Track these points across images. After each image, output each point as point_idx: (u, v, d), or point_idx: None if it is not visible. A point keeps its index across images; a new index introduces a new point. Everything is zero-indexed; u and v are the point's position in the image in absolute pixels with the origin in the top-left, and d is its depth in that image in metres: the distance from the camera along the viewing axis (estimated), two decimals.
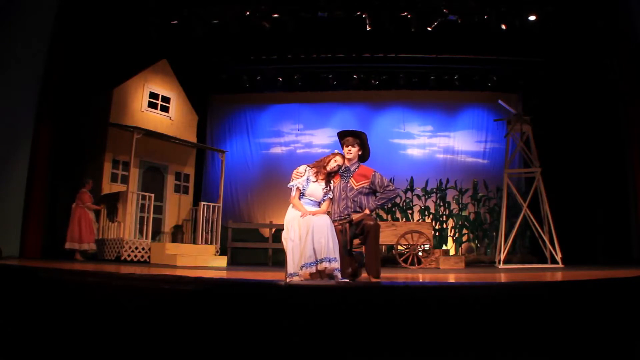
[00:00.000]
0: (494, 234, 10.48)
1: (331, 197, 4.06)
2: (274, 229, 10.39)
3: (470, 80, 11.65)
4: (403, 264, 8.54)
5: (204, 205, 9.73)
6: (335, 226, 3.82)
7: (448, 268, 8.33)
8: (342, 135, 4.27)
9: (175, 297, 2.90)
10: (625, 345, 2.62)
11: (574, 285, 3.10)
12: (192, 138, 10.82)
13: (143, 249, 8.61)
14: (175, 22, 9.56)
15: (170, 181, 10.41)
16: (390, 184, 4.18)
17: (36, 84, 8.18)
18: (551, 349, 2.54)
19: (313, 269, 3.59)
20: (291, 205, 3.93)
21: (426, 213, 11.29)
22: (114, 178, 9.43)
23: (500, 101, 8.95)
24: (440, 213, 11.31)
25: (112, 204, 9.00)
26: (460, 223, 11.18)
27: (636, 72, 8.09)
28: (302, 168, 4.05)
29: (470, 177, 11.64)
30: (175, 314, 2.80)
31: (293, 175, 4.04)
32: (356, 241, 4.09)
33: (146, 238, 8.80)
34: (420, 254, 8.73)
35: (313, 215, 3.77)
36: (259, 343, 2.59)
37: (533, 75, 11.08)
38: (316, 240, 3.62)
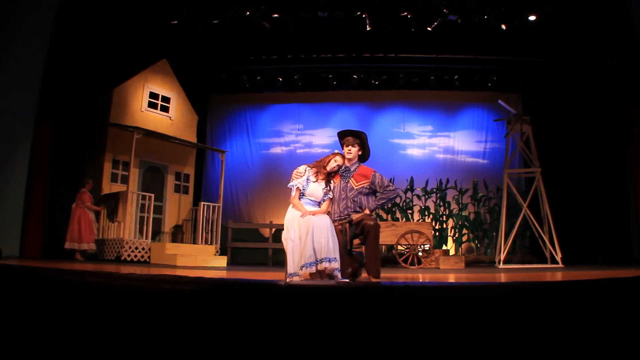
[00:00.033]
0: (494, 234, 10.48)
1: (331, 197, 4.06)
2: (274, 229, 10.39)
3: (470, 80, 11.65)
4: (403, 264, 8.54)
5: (204, 205, 9.73)
6: (335, 226, 3.82)
7: (448, 268, 8.33)
8: (342, 135, 4.27)
9: (175, 297, 2.90)
10: (625, 345, 2.62)
11: (574, 285, 3.10)
12: (192, 138, 10.83)
13: (143, 249, 8.61)
14: (175, 22, 9.56)
15: (170, 181, 10.41)
16: (390, 184, 4.18)
17: (36, 84, 8.18)
18: (551, 349, 2.54)
19: (313, 269, 3.59)
20: (291, 205, 3.93)
21: (426, 213, 11.29)
22: (114, 178, 9.43)
23: (500, 101, 8.95)
24: (440, 213, 11.31)
25: (112, 204, 9.00)
26: (460, 223, 11.18)
27: (636, 72, 8.09)
28: (302, 168, 4.05)
29: (470, 177, 11.64)
30: (175, 314, 2.80)
31: (293, 175, 4.04)
32: (356, 241, 4.09)
33: (146, 238, 8.80)
34: (420, 254, 8.73)
35: (313, 215, 3.77)
36: (259, 343, 2.59)
37: (533, 75, 11.08)
38: (316, 240, 3.62)
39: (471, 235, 11.16)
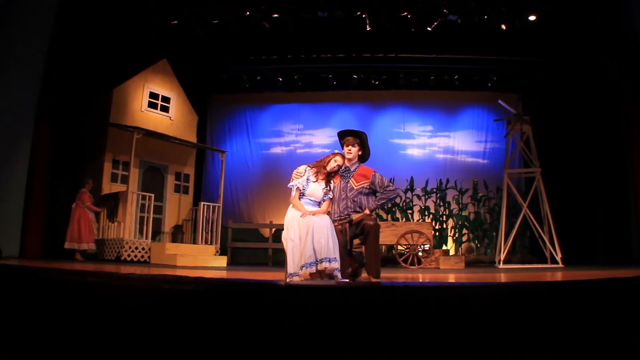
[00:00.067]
0: (494, 234, 10.48)
1: (331, 197, 4.06)
2: (274, 229, 10.38)
3: (470, 80, 11.65)
4: (403, 264, 8.54)
5: (204, 205, 9.73)
6: (335, 226, 3.82)
7: (448, 268, 8.33)
8: (342, 135, 4.27)
9: (175, 297, 2.90)
10: (625, 345, 2.62)
11: (574, 285, 3.10)
12: (192, 138, 10.83)
13: (143, 249, 8.61)
14: (175, 22, 9.56)
15: (170, 181, 10.41)
16: (390, 184, 4.18)
17: (36, 84, 8.18)
18: (551, 349, 2.54)
19: (313, 269, 3.59)
20: (291, 205, 3.93)
21: (426, 213, 11.29)
22: (114, 178, 9.43)
23: (500, 101, 8.95)
24: (440, 213, 11.31)
25: (112, 204, 9.00)
26: (460, 223, 11.18)
27: (636, 72, 8.09)
28: (302, 168, 4.05)
29: (470, 177, 11.64)
30: (175, 314, 2.80)
31: (293, 175, 4.04)
32: (356, 241, 4.09)
33: (146, 238, 8.80)
34: (420, 254, 8.73)
35: (313, 215, 3.77)
36: (259, 343, 2.59)
37: (533, 75, 11.08)
38: (316, 240, 3.62)
39: (471, 235, 11.16)
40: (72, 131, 9.30)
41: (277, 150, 13.03)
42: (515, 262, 9.08)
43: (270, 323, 2.62)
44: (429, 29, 9.41)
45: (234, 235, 9.94)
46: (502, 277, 5.01)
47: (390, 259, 9.19)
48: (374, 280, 3.87)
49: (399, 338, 2.53)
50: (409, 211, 11.30)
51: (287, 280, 3.64)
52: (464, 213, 11.21)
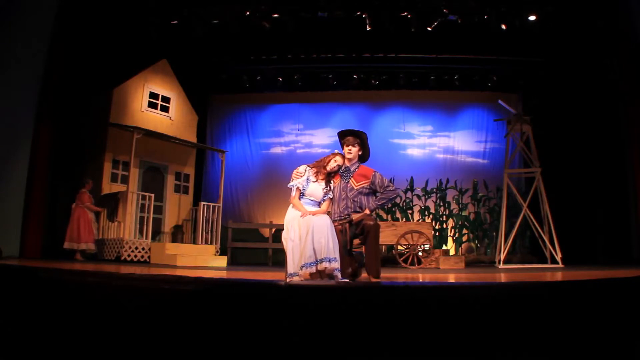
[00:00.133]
0: (494, 234, 10.48)
1: (331, 197, 4.06)
2: (274, 229, 10.38)
3: (470, 80, 11.65)
4: (403, 264, 8.54)
5: (204, 205, 9.73)
6: (335, 226, 3.82)
7: (448, 268, 8.33)
8: (343, 135, 4.27)
9: (175, 297, 2.90)
10: (625, 345, 2.62)
11: (574, 285, 3.10)
12: (192, 138, 10.83)
13: (143, 249, 8.61)
14: (175, 22, 9.56)
15: (170, 181, 10.41)
16: (391, 184, 4.18)
17: (36, 84, 8.18)
18: (551, 349, 2.54)
19: (313, 269, 3.59)
20: (291, 205, 3.93)
21: (426, 213, 11.29)
22: (114, 178, 9.43)
23: (500, 101, 8.95)
24: (440, 213, 11.31)
25: (112, 204, 9.00)
26: (460, 223, 11.18)
27: (636, 72, 8.09)
28: (302, 168, 4.05)
29: (470, 177, 11.65)
30: (175, 314, 2.80)
31: (293, 175, 4.04)
32: (356, 241, 4.09)
33: (146, 238, 8.80)
34: (420, 254, 8.73)
35: (313, 215, 3.77)
36: (259, 343, 2.59)
37: (533, 75, 11.08)
38: (316, 240, 3.62)
39: (471, 235, 11.16)
40: (72, 131, 9.30)
41: (277, 150, 13.03)
42: (515, 262, 9.08)
43: (270, 323, 2.62)
44: (429, 29, 9.41)
45: (234, 235, 9.94)
46: (502, 277, 5.00)
47: (390, 259, 9.19)
48: (374, 280, 3.87)
49: (399, 338, 2.53)
50: (409, 211, 11.30)
51: (287, 280, 3.64)
52: (464, 213, 11.21)
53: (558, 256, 8.08)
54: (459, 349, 2.52)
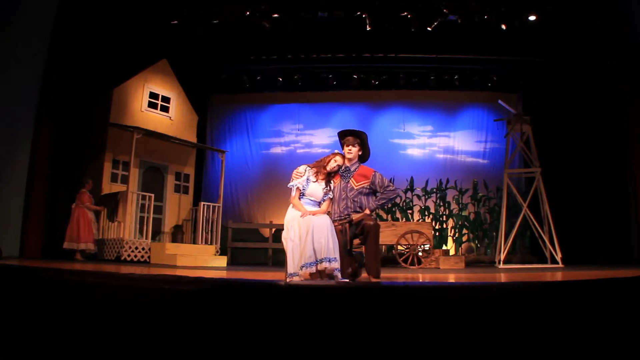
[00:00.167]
0: (494, 234, 10.48)
1: (331, 197, 4.06)
2: (274, 229, 10.38)
3: (470, 80, 11.65)
4: (403, 264, 8.54)
5: (204, 205, 9.74)
6: (335, 226, 3.82)
7: (448, 268, 8.33)
8: (343, 135, 4.27)
9: (175, 297, 2.90)
10: (625, 345, 2.62)
11: (574, 285, 3.10)
12: (192, 138, 10.83)
13: (143, 249, 8.61)
14: (175, 22, 9.56)
15: (170, 181, 10.41)
16: (391, 184, 4.18)
17: (36, 84, 8.18)
18: (551, 349, 2.54)
19: (313, 269, 3.59)
20: (291, 205, 3.93)
21: (426, 213, 11.29)
22: (114, 178, 9.43)
23: (500, 101, 8.96)
24: (440, 213, 11.31)
25: (112, 204, 9.00)
26: (460, 223, 11.18)
27: (636, 72, 8.09)
28: (302, 168, 4.05)
29: (470, 177, 11.65)
30: (175, 314, 2.80)
31: (293, 175, 4.04)
32: (356, 241, 4.09)
33: (146, 238, 8.80)
34: (420, 254, 8.73)
35: (313, 215, 3.77)
36: (259, 343, 2.59)
37: (533, 75, 11.08)
38: (316, 240, 3.62)
39: (471, 235, 11.16)
40: (72, 131, 9.30)
41: (277, 150, 13.03)
42: (515, 262, 9.08)
43: (270, 323, 2.62)
44: (429, 29, 9.41)
45: (234, 235, 9.94)
46: (502, 277, 5.00)
47: (390, 259, 9.19)
48: (374, 280, 3.87)
49: (399, 338, 2.53)
50: (409, 211, 11.30)
51: (287, 280, 3.64)
52: (464, 213, 11.21)
53: (558, 256, 8.08)
54: (459, 349, 2.52)
